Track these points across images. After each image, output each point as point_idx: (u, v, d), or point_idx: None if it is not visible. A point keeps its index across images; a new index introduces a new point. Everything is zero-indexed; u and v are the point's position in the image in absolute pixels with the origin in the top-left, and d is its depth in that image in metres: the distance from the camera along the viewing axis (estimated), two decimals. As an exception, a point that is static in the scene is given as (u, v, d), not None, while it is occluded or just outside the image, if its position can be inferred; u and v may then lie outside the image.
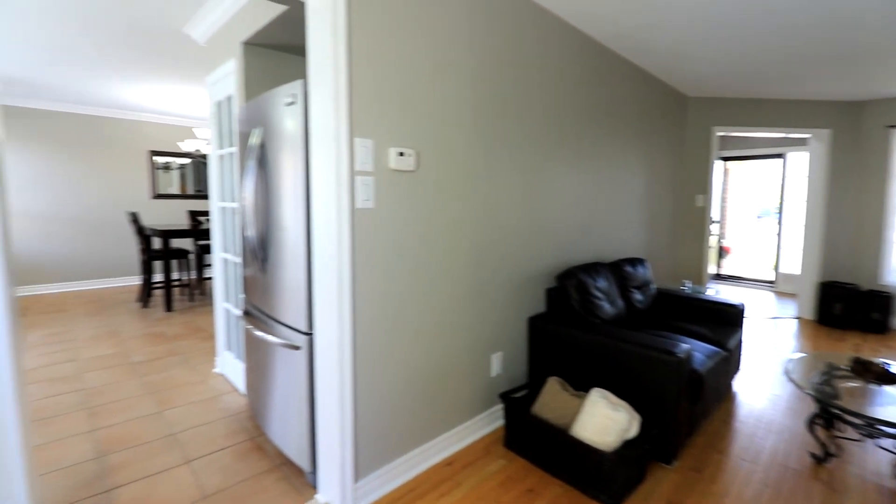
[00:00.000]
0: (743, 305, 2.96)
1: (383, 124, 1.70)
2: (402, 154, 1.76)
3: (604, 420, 1.83)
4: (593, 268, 2.70)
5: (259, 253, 2.07)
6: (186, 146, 5.20)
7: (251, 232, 2.06)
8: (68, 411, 2.50)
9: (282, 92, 1.80)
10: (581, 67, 2.75)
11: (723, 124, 4.46)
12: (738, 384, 3.01)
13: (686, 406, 2.03)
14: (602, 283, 2.66)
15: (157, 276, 6.11)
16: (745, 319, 2.97)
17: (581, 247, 2.92)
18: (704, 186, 4.48)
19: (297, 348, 1.80)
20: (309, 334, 1.76)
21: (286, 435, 1.96)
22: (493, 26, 2.12)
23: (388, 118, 1.71)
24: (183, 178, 6.62)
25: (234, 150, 2.64)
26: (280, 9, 2.17)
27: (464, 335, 2.12)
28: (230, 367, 2.93)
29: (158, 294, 5.51)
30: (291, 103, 1.74)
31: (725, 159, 6.75)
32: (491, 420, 2.32)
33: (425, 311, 1.92)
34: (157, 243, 6.09)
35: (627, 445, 1.81)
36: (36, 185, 5.44)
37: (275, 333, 1.98)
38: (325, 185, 1.61)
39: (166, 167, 6.42)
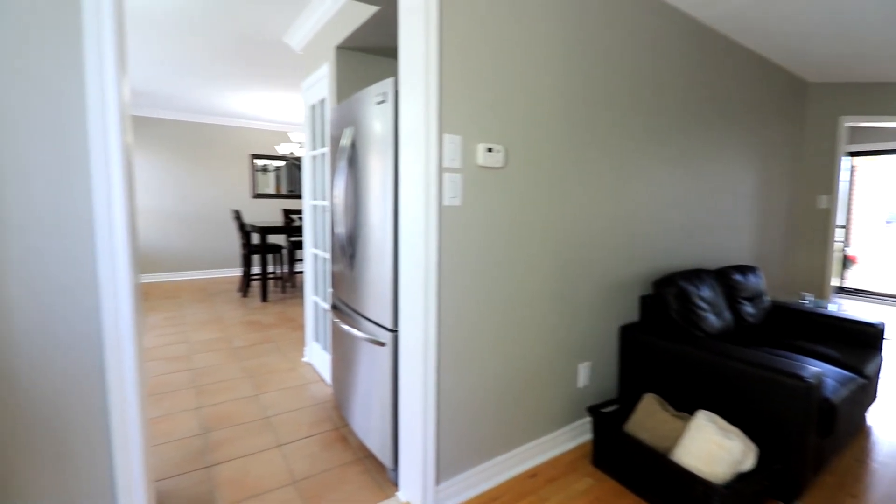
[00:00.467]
0: (883, 325, 2.50)
1: (472, 120, 1.65)
2: (490, 150, 1.70)
3: (712, 447, 1.62)
4: (696, 275, 2.44)
5: (347, 249, 2.12)
6: (282, 149, 5.60)
7: (340, 229, 2.12)
8: (180, 388, 2.78)
9: (372, 91, 1.82)
10: (683, 55, 2.49)
11: (852, 113, 3.83)
12: (875, 417, 2.55)
13: (814, 439, 1.74)
14: (706, 292, 2.39)
15: (255, 269, 6.67)
16: (885, 341, 2.51)
17: (681, 252, 2.65)
18: (829, 185, 3.89)
19: (381, 344, 1.82)
20: (394, 331, 1.76)
21: (369, 429, 1.99)
22: (587, 17, 1.98)
23: (476, 114, 1.66)
24: (278, 179, 7.15)
25: (326, 150, 2.76)
26: (372, 10, 2.21)
27: (549, 341, 2.01)
28: (318, 357, 3.08)
29: (256, 285, 5.99)
30: (382, 101, 1.75)
31: (852, 154, 5.83)
32: (576, 434, 2.18)
33: (509, 314, 1.84)
34: (255, 239, 6.65)
35: (741, 479, 1.59)
36: (157, 185, 6.18)
37: (360, 328, 2.02)
38: (413, 182, 1.59)
39: (264, 169, 6.98)
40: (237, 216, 5.25)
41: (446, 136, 1.59)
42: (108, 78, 1.08)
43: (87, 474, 1.18)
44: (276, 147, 6.54)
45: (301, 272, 6.25)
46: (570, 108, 1.96)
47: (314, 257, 3.10)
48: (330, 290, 2.55)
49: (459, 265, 1.66)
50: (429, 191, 1.56)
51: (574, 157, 2.00)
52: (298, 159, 7.14)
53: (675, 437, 1.77)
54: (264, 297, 5.12)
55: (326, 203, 2.80)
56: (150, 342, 3.63)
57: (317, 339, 3.13)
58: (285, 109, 5.75)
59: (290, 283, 6.02)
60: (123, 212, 1.11)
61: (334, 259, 2.39)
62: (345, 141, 2.06)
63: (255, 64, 3.87)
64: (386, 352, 1.81)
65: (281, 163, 7.10)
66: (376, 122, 1.81)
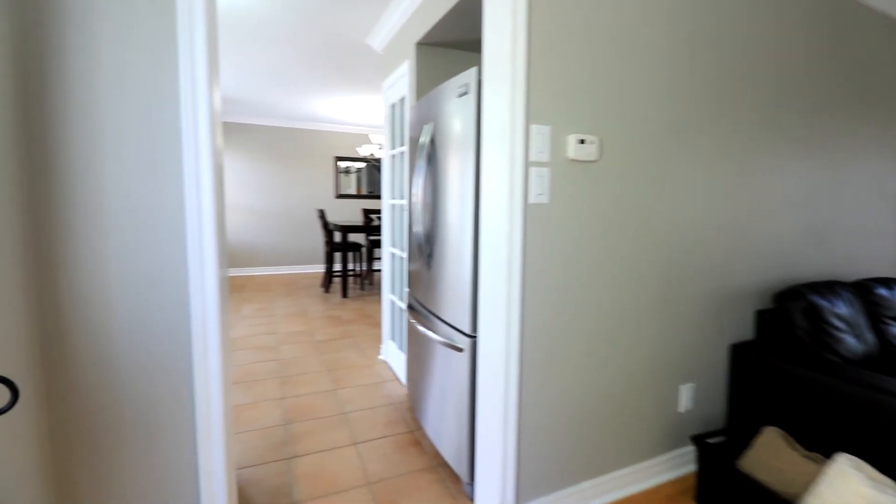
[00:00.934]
0: None
1: (562, 108, 1.50)
2: (582, 141, 1.53)
3: (859, 502, 1.31)
4: (829, 287, 2.05)
5: (425, 249, 2.06)
6: (363, 150, 5.78)
7: (418, 228, 2.07)
8: (266, 378, 2.92)
9: (453, 84, 1.74)
10: (810, 29, 2.10)
11: None
12: None
13: None
14: (842, 308, 2.00)
15: (337, 266, 6.98)
16: None
17: (808, 260, 2.25)
18: None
19: (459, 350, 1.73)
20: (472, 337, 1.66)
21: (444, 436, 1.91)
22: (703, -18, 1.72)
23: (568, 101, 1.50)
24: (359, 180, 7.42)
25: (405, 149, 2.74)
26: (452, 1, 2.13)
27: (646, 357, 1.78)
28: (393, 355, 3.08)
29: (337, 282, 6.24)
30: (463, 93, 1.66)
31: None
32: (676, 464, 1.92)
33: (601, 323, 1.65)
34: (337, 237, 6.95)
35: (903, 547, 1.26)
36: (250, 186, 6.69)
37: (437, 331, 1.94)
38: (496, 177, 1.48)
39: (346, 171, 7.28)
40: (321, 215, 5.50)
41: (534, 127, 1.45)
42: (199, 84, 1.11)
43: (173, 458, 1.22)
44: (357, 149, 6.79)
45: (379, 270, 6.42)
46: (674, 94, 1.72)
47: (391, 256, 3.11)
48: (406, 289, 2.52)
49: (545, 269, 1.52)
50: (513, 187, 1.44)
51: (678, 149, 1.76)
52: (378, 160, 7.36)
53: (806, 484, 1.47)
54: (344, 294, 5.31)
55: (404, 202, 2.78)
56: (243, 332, 3.89)
57: (393, 338, 3.14)
58: (366, 112, 5.93)
59: (369, 280, 6.19)
60: (212, 210, 1.12)
61: (411, 258, 2.35)
62: (424, 138, 2.00)
63: (339, 68, 4.00)
64: (463, 358, 1.71)
65: (361, 164, 7.36)
66: (456, 116, 1.72)
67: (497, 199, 1.48)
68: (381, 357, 3.31)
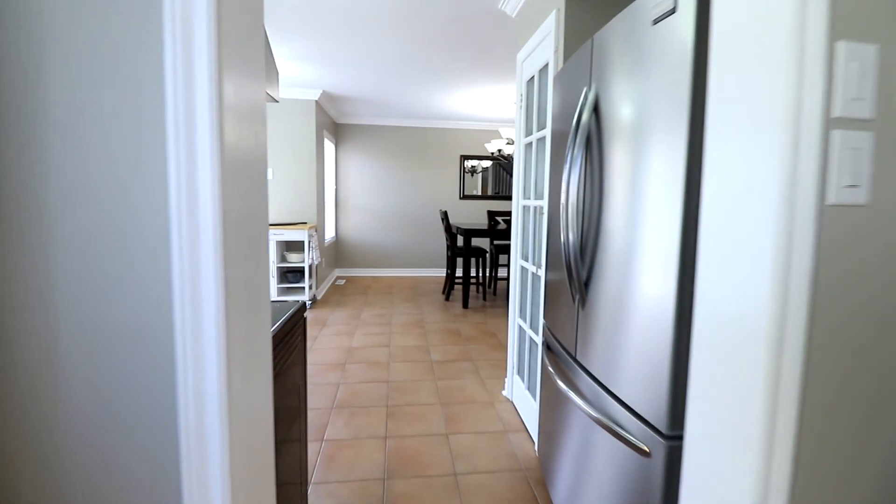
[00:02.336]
0: None
1: (907, 7, 0.71)
2: (945, 76, 0.72)
3: None
4: None
5: (577, 271, 1.39)
6: (491, 146, 5.26)
7: (568, 240, 1.41)
8: (373, 404, 2.54)
9: (641, 5, 1.05)
10: None
11: None
12: None
13: None
14: None
15: (460, 271, 6.60)
16: None
17: None
18: None
19: (643, 454, 1.03)
20: (671, 438, 0.96)
21: (600, 568, 1.23)
22: None
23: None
24: (484, 180, 6.94)
25: (545, 133, 2.09)
26: None
27: None
28: (520, 396, 2.46)
29: (458, 289, 5.83)
30: (667, 12, 0.96)
31: None
32: None
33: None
34: (459, 240, 6.57)
35: None
36: (375, 187, 6.66)
37: (596, 405, 1.27)
38: (745, 155, 0.76)
39: (472, 171, 6.85)
40: (444, 217, 5.13)
41: (842, 47, 0.69)
42: (198, 69, 0.64)
43: None
44: (485, 145, 6.31)
45: (505, 279, 5.81)
46: None
47: (521, 271, 2.49)
48: (543, 321, 1.87)
49: (858, 332, 0.74)
50: (791, 173, 0.70)
51: None
52: (508, 157, 6.78)
53: None
54: (465, 304, 4.84)
55: (542, 203, 2.14)
56: (359, 341, 3.65)
57: (520, 373, 2.52)
58: (495, 105, 5.38)
59: (492, 289, 5.65)
60: (211, 211, 0.65)
61: (552, 278, 1.70)
62: (581, 112, 1.34)
63: (467, 47, 3.50)
64: (649, 466, 1.02)
65: (488, 163, 6.86)
66: (647, 61, 1.03)
67: (745, 200, 0.76)
68: (504, 393, 2.71)
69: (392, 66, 4.01)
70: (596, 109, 1.30)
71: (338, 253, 6.70)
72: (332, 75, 4.39)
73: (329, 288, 5.81)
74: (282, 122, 4.89)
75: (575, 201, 1.38)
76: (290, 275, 4.73)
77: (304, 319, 1.46)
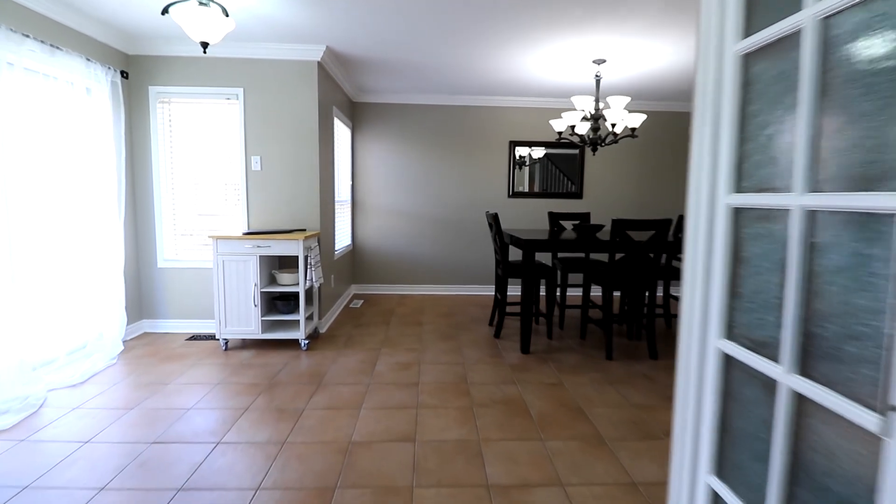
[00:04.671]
0: None
1: None
2: None
3: None
4: None
5: None
6: (560, 123, 3.77)
7: None
8: None
9: None
10: None
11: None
12: None
13: None
14: None
15: (514, 289, 5.13)
16: None
17: None
18: None
19: None
20: None
21: None
22: None
23: None
24: (531, 174, 5.43)
25: (803, 22, 0.60)
26: None
27: None
28: None
29: (511, 323, 4.33)
30: None
31: None
32: None
33: None
34: (511, 252, 5.10)
35: None
36: (399, 183, 5.28)
37: None
38: None
39: (521, 162, 5.37)
40: (494, 221, 3.68)
41: None
42: None
43: None
44: (551, 122, 4.83)
45: (577, 307, 4.25)
46: None
47: (720, 359, 1.00)
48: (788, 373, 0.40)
49: None
50: None
51: None
52: (582, 140, 5.24)
53: None
54: (525, 347, 3.38)
55: (797, 200, 0.65)
56: (367, 426, 2.26)
57: (716, 471, 1.03)
58: (564, 69, 3.88)
59: (558, 321, 4.16)
60: None
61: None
62: None
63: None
64: None
65: (540, 152, 5.35)
66: None
67: None
68: None
69: (428, 13, 2.61)
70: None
71: (354, 265, 5.37)
72: (340, 22, 3.03)
73: (341, 313, 4.48)
74: (270, 90, 3.58)
75: None
76: (281, 303, 3.41)
77: None
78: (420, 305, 4.86)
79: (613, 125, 3.52)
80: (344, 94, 4.69)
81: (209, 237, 3.21)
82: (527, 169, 5.43)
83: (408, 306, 4.80)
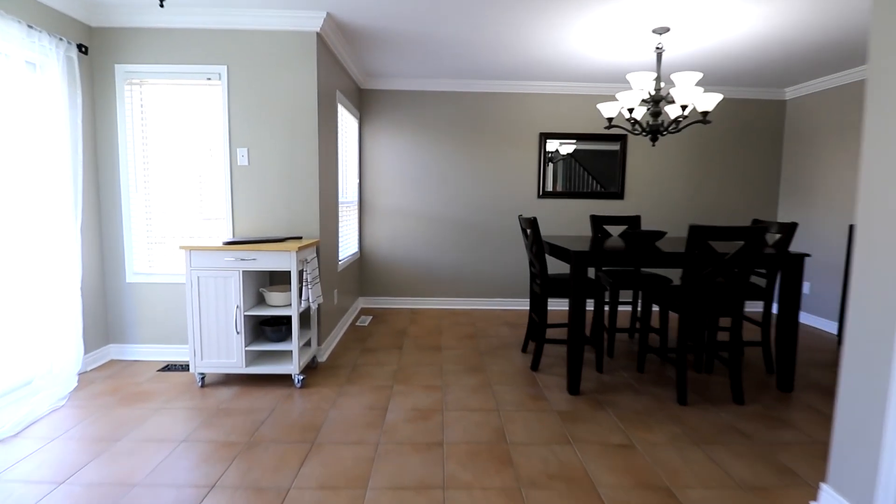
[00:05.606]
0: None
1: None
2: None
3: None
4: None
5: None
6: (610, 109, 3.08)
7: None
8: None
9: None
10: None
11: None
12: None
13: None
14: None
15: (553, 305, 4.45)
16: None
17: None
18: None
19: None
20: None
21: None
22: None
23: None
24: (555, 172, 4.73)
25: None
26: None
27: None
28: None
29: (552, 352, 3.64)
30: None
31: None
32: None
33: None
34: (550, 263, 4.41)
35: None
36: (414, 182, 4.62)
37: None
38: None
39: (551, 158, 4.67)
40: (531, 225, 3.00)
41: None
42: None
43: None
44: (599, 106, 4.15)
45: (625, 330, 3.53)
46: None
47: None
48: None
49: None
50: None
51: None
52: (641, 127, 4.55)
53: None
54: (574, 387, 2.69)
55: None
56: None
57: None
58: (613, 46, 3.19)
59: (607, 349, 3.46)
60: None
61: None
62: None
63: None
64: None
65: (570, 146, 4.64)
66: None
67: None
68: None
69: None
70: None
71: (362, 276, 4.73)
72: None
73: (346, 333, 3.84)
74: (259, 67, 2.95)
75: None
76: (270, 329, 2.77)
77: None
78: (437, 323, 4.19)
79: (684, 107, 2.81)
80: (350, 78, 4.05)
81: (180, 248, 2.58)
82: (561, 164, 4.73)
83: (423, 324, 4.14)
